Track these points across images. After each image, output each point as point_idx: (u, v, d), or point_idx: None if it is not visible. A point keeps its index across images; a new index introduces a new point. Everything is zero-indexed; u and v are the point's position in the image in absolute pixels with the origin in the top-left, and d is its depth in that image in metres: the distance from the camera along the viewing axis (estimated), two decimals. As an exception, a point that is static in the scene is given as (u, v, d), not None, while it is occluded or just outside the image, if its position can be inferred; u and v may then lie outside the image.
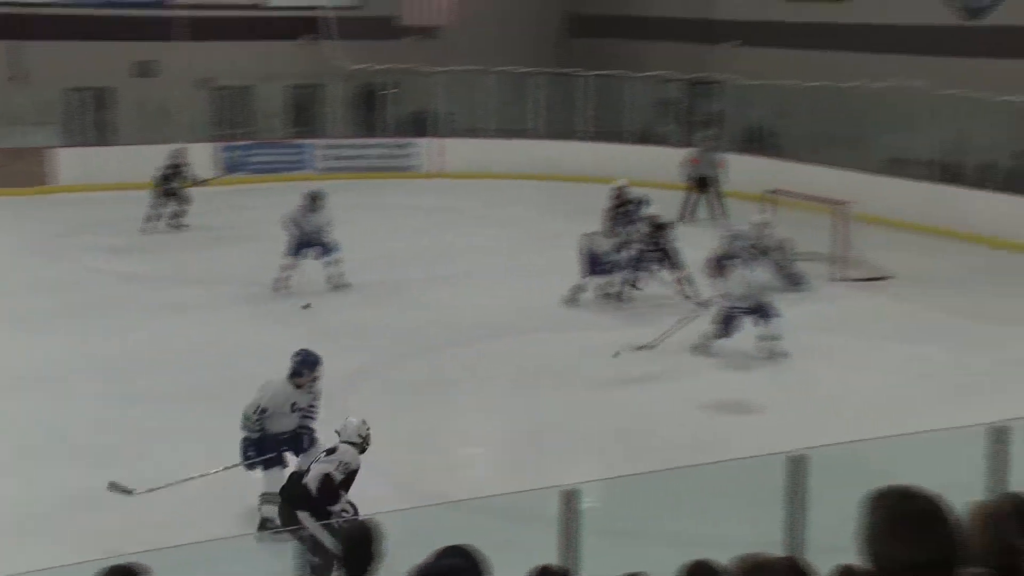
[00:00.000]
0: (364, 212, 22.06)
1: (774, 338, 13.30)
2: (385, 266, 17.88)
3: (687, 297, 15.17)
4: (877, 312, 15.43)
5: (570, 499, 6.10)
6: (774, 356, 13.28)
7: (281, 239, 16.20)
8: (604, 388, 12.38)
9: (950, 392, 12.26)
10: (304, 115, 27.49)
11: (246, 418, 9.36)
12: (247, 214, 21.51)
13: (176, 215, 20.01)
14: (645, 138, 26.28)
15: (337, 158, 25.82)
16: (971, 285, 17.07)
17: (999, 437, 6.91)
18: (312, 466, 8.55)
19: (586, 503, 6.19)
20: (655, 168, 24.19)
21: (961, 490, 4.30)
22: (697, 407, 11.86)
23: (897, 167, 21.56)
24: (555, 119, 27.77)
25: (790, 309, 14.10)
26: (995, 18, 21.31)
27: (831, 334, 14.43)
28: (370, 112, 27.43)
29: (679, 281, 15.58)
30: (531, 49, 28.62)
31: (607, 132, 27.05)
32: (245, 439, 9.37)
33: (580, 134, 26.43)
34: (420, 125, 27.11)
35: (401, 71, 26.40)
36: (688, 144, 25.68)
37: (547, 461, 10.74)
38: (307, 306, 15.49)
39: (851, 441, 8.42)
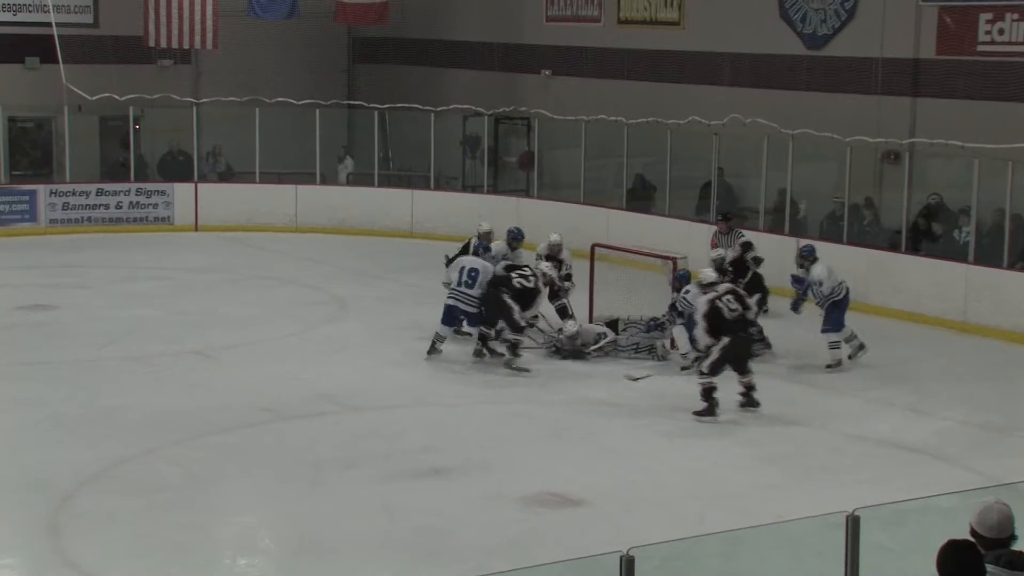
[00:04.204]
0: (104, 273, 21.67)
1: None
2: (136, 339, 17.61)
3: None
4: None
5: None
6: None
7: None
8: (396, 480, 12.36)
9: (799, 476, 12.62)
10: (28, 155, 26.87)
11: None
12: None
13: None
14: (442, 183, 26.50)
15: (69, 207, 25.26)
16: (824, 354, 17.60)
17: (855, 525, 7.22)
18: None
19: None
20: (456, 217, 24.26)
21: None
22: (508, 501, 11.92)
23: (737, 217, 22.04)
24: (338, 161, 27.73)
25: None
26: (836, 48, 22.11)
27: (659, 416, 14.72)
28: (112, 151, 26.92)
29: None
30: (311, 78, 28.56)
31: (401, 176, 27.20)
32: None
33: (368, 178, 26.47)
34: (173, 168, 26.78)
35: (150, 102, 26.04)
36: (495, 190, 26.03)
37: (331, 571, 10.65)
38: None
39: (687, 537, 8.59)
